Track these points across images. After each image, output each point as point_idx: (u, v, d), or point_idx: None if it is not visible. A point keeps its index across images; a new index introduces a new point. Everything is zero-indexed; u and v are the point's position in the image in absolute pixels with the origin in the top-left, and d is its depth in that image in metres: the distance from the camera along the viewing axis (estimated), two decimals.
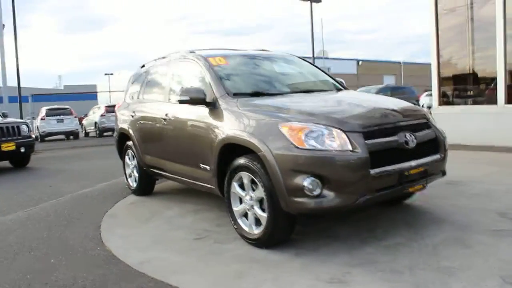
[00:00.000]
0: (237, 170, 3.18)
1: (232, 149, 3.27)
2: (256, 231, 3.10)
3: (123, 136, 5.37)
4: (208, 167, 3.58)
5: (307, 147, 2.74)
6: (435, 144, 3.26)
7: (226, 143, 3.27)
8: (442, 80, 8.37)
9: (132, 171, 5.26)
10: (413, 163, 2.97)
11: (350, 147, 2.73)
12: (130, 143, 5.19)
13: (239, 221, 3.26)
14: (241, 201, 3.24)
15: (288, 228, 3.05)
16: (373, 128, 2.89)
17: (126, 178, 5.44)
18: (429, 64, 8.70)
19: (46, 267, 3.08)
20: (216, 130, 3.43)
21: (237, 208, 3.26)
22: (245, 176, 3.12)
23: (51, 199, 5.52)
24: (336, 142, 2.75)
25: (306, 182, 2.69)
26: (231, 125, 3.29)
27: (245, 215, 3.22)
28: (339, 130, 2.78)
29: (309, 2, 23.37)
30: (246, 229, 3.19)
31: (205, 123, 3.59)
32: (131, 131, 5.06)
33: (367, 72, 42.25)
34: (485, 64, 7.95)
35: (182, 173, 4.11)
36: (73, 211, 4.66)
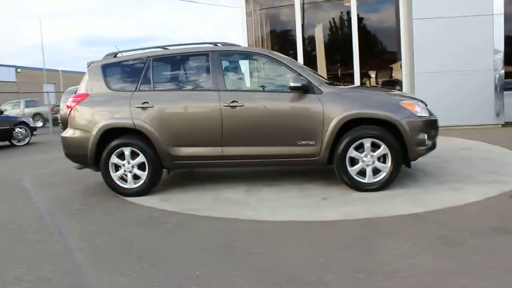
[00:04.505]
0: (357, 138, 4.28)
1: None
2: (376, 180, 4.32)
3: (113, 132, 4.69)
4: (312, 142, 4.38)
5: (420, 115, 4.35)
6: None
7: (351, 118, 4.26)
8: None
9: (131, 171, 4.69)
10: None
11: (429, 114, 4.56)
12: (126, 140, 4.65)
13: (355, 177, 4.36)
14: (354, 162, 4.35)
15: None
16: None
17: (114, 182, 4.72)
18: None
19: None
20: (330, 110, 4.28)
21: (353, 168, 4.33)
22: (367, 141, 4.28)
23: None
24: (426, 112, 4.50)
25: (425, 137, 4.31)
26: (350, 104, 4.30)
27: (359, 172, 4.37)
28: (425, 105, 4.55)
29: None
30: (364, 180, 4.33)
31: (310, 106, 4.34)
32: (145, 125, 4.58)
33: (28, 80, 39.85)
34: None
35: (262, 155, 4.48)
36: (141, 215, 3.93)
